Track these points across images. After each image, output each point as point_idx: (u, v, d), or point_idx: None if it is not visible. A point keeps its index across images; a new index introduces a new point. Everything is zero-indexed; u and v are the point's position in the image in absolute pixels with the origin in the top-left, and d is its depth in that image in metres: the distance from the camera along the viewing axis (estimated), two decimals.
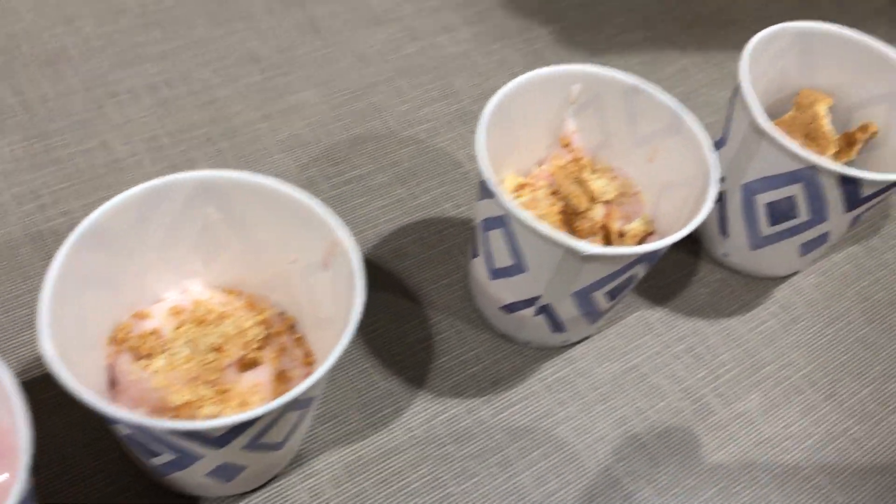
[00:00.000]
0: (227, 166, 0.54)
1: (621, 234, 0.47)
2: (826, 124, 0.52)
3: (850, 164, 0.53)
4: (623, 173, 0.49)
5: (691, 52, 0.68)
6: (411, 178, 0.56)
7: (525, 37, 0.66)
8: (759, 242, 0.52)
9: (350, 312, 0.35)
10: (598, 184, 0.47)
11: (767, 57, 0.52)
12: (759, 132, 0.46)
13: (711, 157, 0.44)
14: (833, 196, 0.47)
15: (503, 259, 0.44)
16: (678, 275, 0.54)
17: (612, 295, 0.44)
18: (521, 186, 0.49)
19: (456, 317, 0.50)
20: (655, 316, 0.52)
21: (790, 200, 0.48)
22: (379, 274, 0.51)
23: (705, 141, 0.45)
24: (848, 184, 0.46)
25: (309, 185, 0.54)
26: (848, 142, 0.53)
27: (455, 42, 0.64)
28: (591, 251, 0.39)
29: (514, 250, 0.42)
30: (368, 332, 0.48)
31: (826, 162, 0.45)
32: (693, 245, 0.56)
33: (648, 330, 0.51)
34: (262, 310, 0.42)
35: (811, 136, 0.52)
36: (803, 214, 0.49)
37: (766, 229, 0.51)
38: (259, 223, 0.40)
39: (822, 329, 0.53)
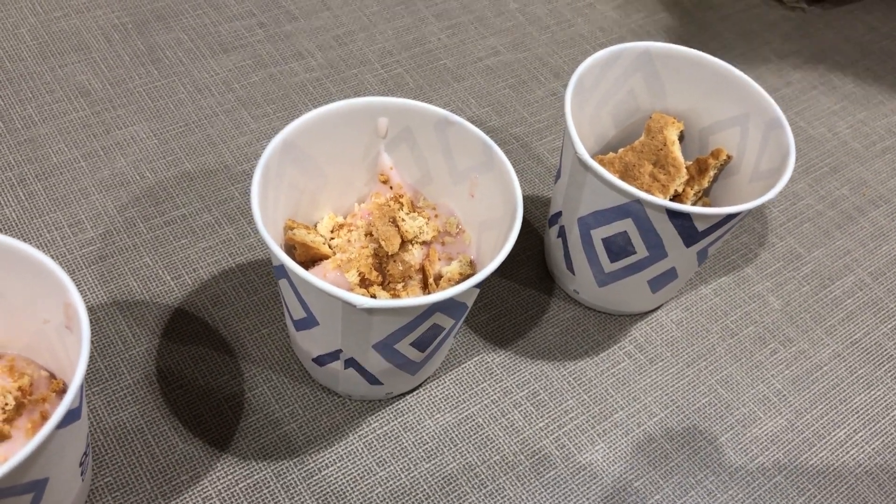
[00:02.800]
0: (39, 210, 0.50)
1: (439, 277, 0.43)
2: (675, 150, 0.48)
3: (704, 191, 0.50)
4: (447, 210, 0.46)
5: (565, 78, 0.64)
6: (242, 216, 0.52)
7: (384, 62, 0.62)
8: (604, 279, 0.48)
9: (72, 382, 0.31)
10: (414, 224, 0.43)
11: (611, 79, 0.49)
12: (584, 165, 0.43)
13: (518, 194, 0.40)
14: (666, 231, 0.43)
15: (297, 311, 0.40)
16: (528, 314, 0.51)
17: (421, 345, 0.40)
18: (339, 227, 0.45)
19: (274, 370, 0.46)
20: (498, 360, 0.48)
21: (624, 236, 0.44)
22: (193, 324, 0.47)
23: (514, 176, 0.41)
24: (678, 218, 0.42)
25: (127, 227, 0.50)
26: (700, 168, 0.49)
27: (308, 69, 0.61)
28: (367, 305, 0.35)
29: (302, 302, 0.39)
30: (173, 388, 0.44)
31: (648, 196, 0.41)
32: (547, 282, 0.52)
33: (489, 375, 0.48)
34: (23, 374, 0.38)
35: (660, 164, 0.49)
36: (641, 250, 0.45)
37: (607, 266, 0.47)
38: (6, 283, 0.36)
39: (681, 370, 0.50)
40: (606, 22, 0.69)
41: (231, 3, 0.64)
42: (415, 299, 0.36)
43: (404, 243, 0.43)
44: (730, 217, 0.42)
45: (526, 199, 0.56)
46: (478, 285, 0.37)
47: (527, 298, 0.51)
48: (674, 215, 0.42)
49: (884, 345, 0.52)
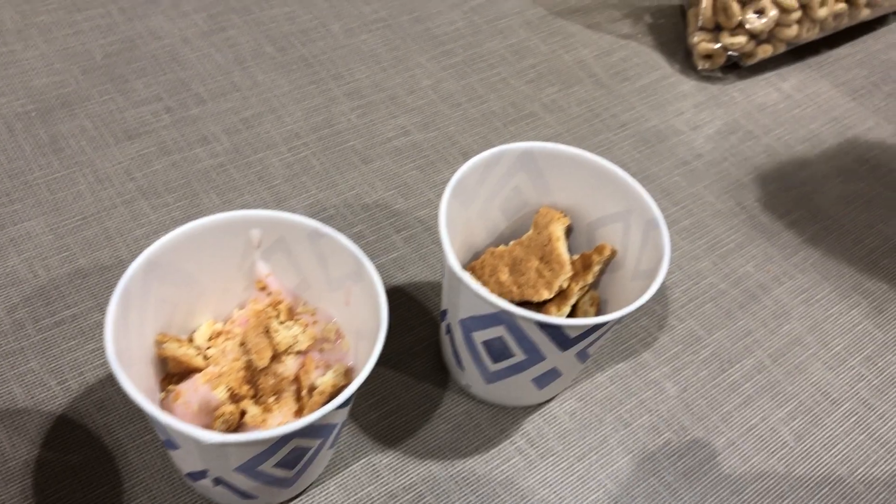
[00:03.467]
0: None
1: (313, 389, 0.43)
2: (559, 247, 0.49)
3: (589, 286, 0.50)
4: (326, 315, 0.46)
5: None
6: None
7: (291, 145, 0.63)
8: (490, 377, 0.48)
9: None
10: (289, 333, 0.43)
11: (495, 178, 0.49)
12: (456, 278, 0.43)
13: (383, 310, 0.40)
14: (539, 338, 0.43)
15: (160, 431, 0.40)
16: (420, 409, 0.50)
17: (287, 465, 0.40)
18: (216, 335, 0.45)
19: (155, 479, 0.46)
20: (386, 461, 0.48)
21: (501, 340, 0.45)
22: (75, 431, 0.47)
23: (381, 290, 0.41)
24: (547, 328, 0.42)
25: (15, 329, 0.50)
26: (584, 264, 0.49)
27: (212, 154, 0.61)
28: (211, 440, 0.35)
29: (158, 426, 0.38)
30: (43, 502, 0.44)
31: (515, 309, 0.41)
32: (441, 374, 0.52)
33: (375, 478, 0.47)
34: None
35: (546, 259, 0.49)
36: (518, 354, 0.45)
37: (490, 366, 0.47)
38: None
39: (572, 465, 0.50)
40: (518, 97, 0.69)
41: (139, 88, 0.64)
42: (261, 433, 0.36)
43: (277, 355, 0.43)
44: (598, 326, 0.43)
45: (426, 285, 0.56)
46: (340, 406, 0.37)
47: (420, 393, 0.51)
48: (543, 326, 0.42)
49: (779, 430, 0.53)
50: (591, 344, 0.45)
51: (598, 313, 0.50)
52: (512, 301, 0.49)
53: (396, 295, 0.55)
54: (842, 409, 0.54)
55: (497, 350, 0.45)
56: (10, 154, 0.58)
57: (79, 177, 0.58)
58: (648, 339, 0.56)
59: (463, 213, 0.49)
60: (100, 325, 0.51)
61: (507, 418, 0.51)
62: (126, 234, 0.55)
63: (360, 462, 0.48)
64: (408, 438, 0.49)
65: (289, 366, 0.43)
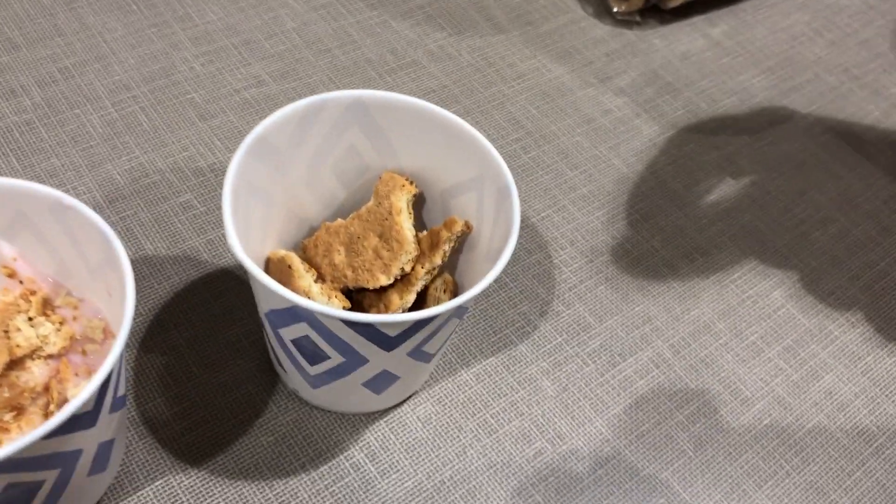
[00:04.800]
0: None
1: (63, 402, 0.34)
2: (402, 221, 0.39)
3: (440, 269, 0.41)
4: (93, 309, 0.36)
5: None
6: None
7: (117, 98, 0.53)
8: (314, 381, 0.39)
9: None
10: (34, 333, 0.34)
11: (318, 135, 0.40)
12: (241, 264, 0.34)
13: (129, 308, 0.31)
14: (351, 337, 0.34)
15: None
16: (238, 418, 0.42)
17: (21, 499, 0.31)
18: None
19: None
20: (187, 483, 0.39)
21: (309, 339, 0.35)
22: None
23: (130, 280, 0.32)
24: (356, 325, 0.33)
25: None
26: (432, 242, 0.40)
27: (19, 110, 0.51)
28: None
29: None
30: None
31: (304, 301, 0.32)
32: (269, 375, 0.43)
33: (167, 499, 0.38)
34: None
35: (385, 237, 0.40)
36: (334, 356, 0.36)
37: (310, 368, 0.38)
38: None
39: (420, 482, 0.41)
40: (400, 43, 0.60)
41: None
42: None
43: (18, 360, 0.34)
44: (423, 321, 0.34)
45: None
46: (51, 434, 0.28)
47: (240, 399, 0.42)
48: (349, 323, 0.33)
49: (675, 437, 0.44)
50: (425, 341, 0.36)
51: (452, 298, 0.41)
52: (346, 288, 0.40)
53: (223, 278, 0.46)
54: (753, 409, 0.46)
55: (309, 351, 0.36)
56: None
57: None
58: (527, 329, 0.47)
59: (278, 179, 0.39)
60: None
61: (345, 427, 0.42)
62: None
63: (154, 485, 0.39)
64: (218, 454, 0.40)
65: (35, 374, 0.34)
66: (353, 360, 0.36)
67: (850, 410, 0.46)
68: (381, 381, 0.39)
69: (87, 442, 0.32)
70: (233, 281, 0.46)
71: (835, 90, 0.63)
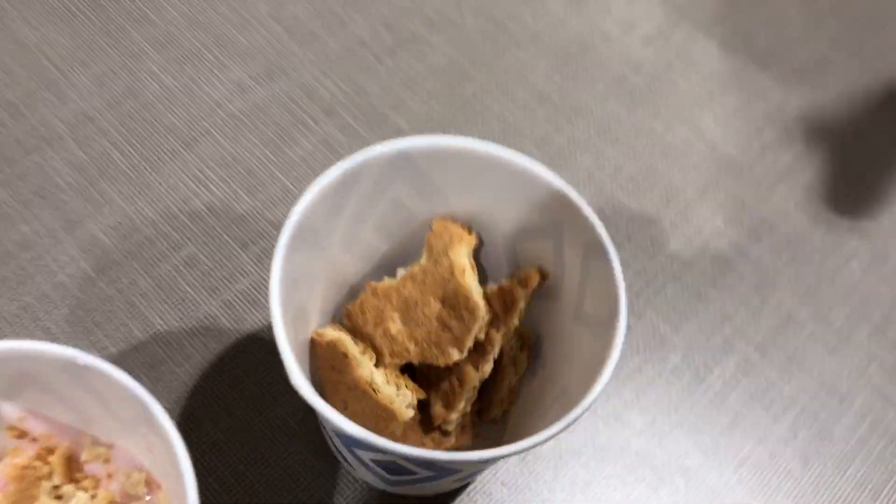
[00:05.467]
0: None
1: None
2: (468, 282, 0.33)
3: (518, 332, 0.35)
4: (127, 459, 0.30)
5: None
6: None
7: (81, 134, 0.44)
8: (391, 483, 0.34)
9: None
10: None
11: (358, 199, 0.33)
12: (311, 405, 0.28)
13: (186, 466, 0.25)
14: (435, 471, 0.29)
15: None
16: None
17: None
18: None
19: None
20: None
21: (396, 464, 0.30)
22: None
23: (177, 440, 0.26)
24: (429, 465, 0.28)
25: None
26: (505, 302, 0.34)
27: None
28: None
29: None
30: None
31: (404, 449, 0.26)
32: (327, 460, 0.38)
33: None
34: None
35: (450, 302, 0.34)
36: (423, 472, 0.31)
37: (389, 477, 0.33)
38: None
39: None
40: (394, 14, 0.51)
41: None
42: None
43: None
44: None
45: None
46: None
47: (301, 495, 0.37)
48: (438, 465, 0.27)
49: (779, 455, 0.40)
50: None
51: (530, 358, 0.36)
52: (410, 364, 0.34)
53: (251, 347, 0.40)
54: (854, 407, 0.42)
55: (394, 468, 0.31)
56: None
57: None
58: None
59: (318, 256, 0.33)
60: None
61: None
62: None
63: None
64: None
65: None
66: (444, 473, 0.31)
67: None
68: (466, 477, 0.34)
69: None
70: (262, 349, 0.40)
71: None
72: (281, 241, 0.29)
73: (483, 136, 0.46)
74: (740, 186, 0.48)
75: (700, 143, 0.49)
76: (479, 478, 0.38)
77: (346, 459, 0.35)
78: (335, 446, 0.35)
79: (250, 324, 0.40)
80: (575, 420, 0.28)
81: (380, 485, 0.36)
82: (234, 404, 0.38)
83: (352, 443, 0.30)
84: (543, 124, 0.48)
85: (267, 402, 0.38)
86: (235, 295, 0.41)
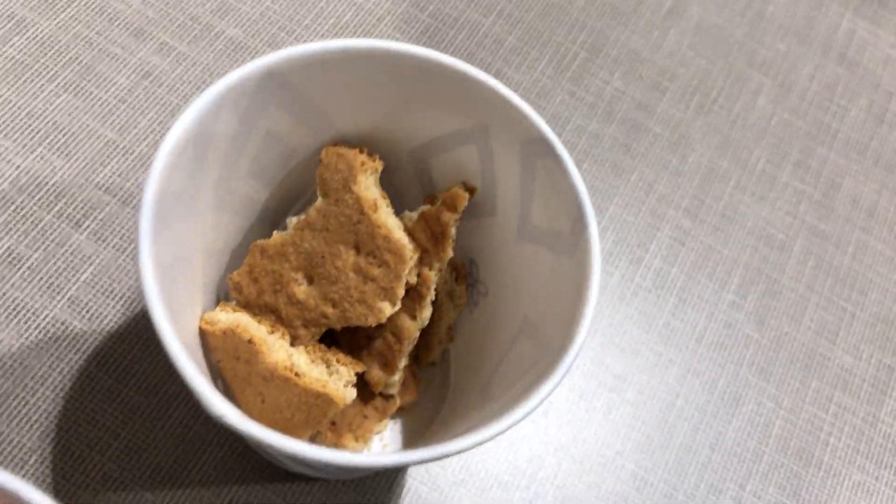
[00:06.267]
0: None
1: None
2: (383, 217, 0.27)
3: (450, 262, 0.29)
4: None
5: None
6: None
7: None
8: (332, 474, 0.28)
9: None
10: None
11: (223, 140, 0.25)
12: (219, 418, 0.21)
13: None
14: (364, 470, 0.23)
15: None
16: None
17: None
18: None
19: None
20: None
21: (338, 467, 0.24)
22: None
23: None
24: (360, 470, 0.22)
25: None
26: (433, 233, 0.28)
27: None
28: None
29: None
30: None
31: (365, 459, 0.20)
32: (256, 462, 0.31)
33: None
34: None
35: (366, 248, 0.27)
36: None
37: (335, 476, 0.27)
38: None
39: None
40: None
41: None
42: None
43: None
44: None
45: None
46: None
47: None
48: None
49: (733, 323, 0.37)
50: None
51: (468, 288, 0.30)
52: (331, 329, 0.28)
53: (120, 347, 0.32)
54: (793, 252, 0.39)
55: (339, 471, 0.25)
56: None
57: None
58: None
59: (189, 229, 0.25)
60: None
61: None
62: None
63: None
64: None
65: None
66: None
67: None
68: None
69: None
70: (136, 345, 0.32)
71: None
72: (142, 219, 0.21)
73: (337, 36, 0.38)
74: (631, 35, 0.43)
75: None
76: None
77: (284, 467, 0.28)
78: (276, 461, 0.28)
79: (109, 320, 0.32)
80: (568, 368, 0.23)
81: (320, 475, 0.30)
82: (118, 423, 0.30)
83: (297, 461, 0.23)
84: (404, 5, 0.41)
85: (157, 410, 0.31)
86: (80, 288, 0.32)
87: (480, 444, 0.21)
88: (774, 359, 0.37)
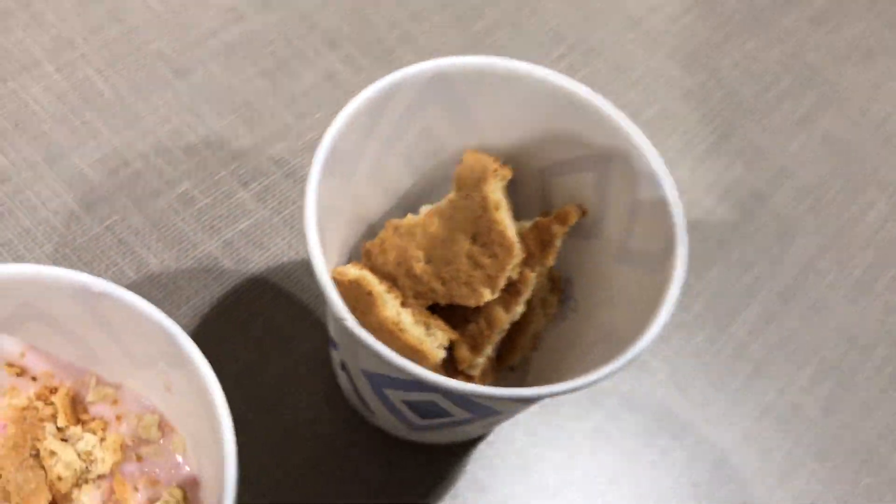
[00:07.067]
0: None
1: None
2: (502, 217, 0.31)
3: (549, 274, 0.33)
4: (137, 399, 0.27)
5: None
6: None
7: (62, 60, 0.41)
8: (419, 427, 0.32)
9: None
10: (73, 453, 0.25)
11: (390, 122, 0.30)
12: (348, 331, 0.25)
13: (223, 412, 0.23)
14: (475, 407, 0.27)
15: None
16: (317, 473, 0.34)
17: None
18: None
19: None
20: None
21: (434, 405, 0.28)
22: None
23: (214, 382, 0.23)
24: (476, 398, 0.25)
25: None
26: (541, 240, 0.32)
27: None
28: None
29: None
30: None
31: (448, 382, 0.24)
32: (341, 409, 0.35)
33: None
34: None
35: (481, 238, 0.31)
36: (459, 413, 0.29)
37: (417, 420, 0.31)
38: None
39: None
40: None
41: None
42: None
43: (63, 496, 0.25)
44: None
45: (300, 267, 0.38)
46: None
47: (313, 444, 0.34)
48: (483, 398, 0.25)
49: (802, 404, 0.39)
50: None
51: (560, 302, 0.34)
52: (436, 304, 0.32)
53: (256, 289, 0.37)
54: (874, 357, 0.41)
55: (426, 410, 0.29)
56: None
57: None
58: None
59: (345, 189, 0.30)
60: None
61: (445, 460, 0.35)
62: None
63: None
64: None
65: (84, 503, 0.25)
66: (480, 414, 0.29)
67: None
68: (493, 421, 0.32)
69: None
70: (269, 291, 0.37)
71: None
72: (315, 163, 0.26)
73: None
74: (760, 133, 0.46)
75: (719, 88, 0.47)
76: (498, 428, 0.36)
77: (366, 406, 0.33)
78: (355, 390, 0.32)
79: (254, 266, 0.37)
80: (629, 361, 0.26)
81: (401, 431, 0.33)
82: (239, 350, 0.35)
83: (389, 382, 0.27)
84: (559, 63, 0.46)
85: (275, 347, 0.36)
86: (236, 235, 0.38)
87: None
88: (834, 447, 0.38)
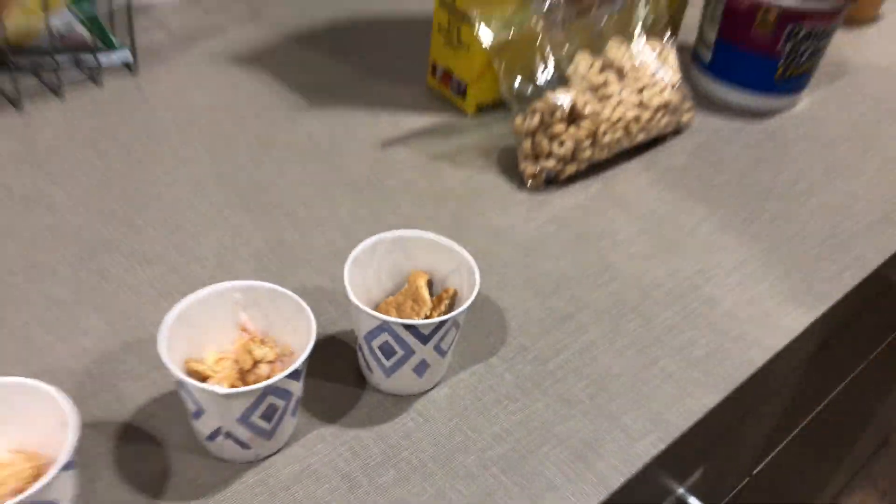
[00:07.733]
0: None
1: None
2: (423, 292, 0.82)
3: (441, 314, 0.83)
4: (283, 343, 0.78)
5: None
6: None
7: None
8: (387, 372, 0.80)
9: None
10: (260, 351, 0.75)
11: (379, 255, 0.83)
12: (356, 308, 0.76)
13: (313, 331, 0.72)
14: (406, 337, 0.75)
15: (192, 402, 0.71)
16: (344, 397, 0.81)
17: (268, 418, 0.71)
18: (220, 359, 0.76)
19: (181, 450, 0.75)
20: (331, 430, 0.78)
21: (388, 343, 0.77)
22: None
23: (313, 323, 0.73)
24: (410, 329, 0.75)
25: None
26: (438, 301, 0.82)
27: None
28: (221, 392, 0.66)
29: (190, 397, 0.69)
30: None
31: (391, 318, 0.74)
32: (361, 380, 0.83)
33: (320, 440, 0.78)
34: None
35: (416, 300, 0.82)
36: (399, 350, 0.77)
37: (386, 363, 0.79)
38: None
39: (450, 432, 0.80)
40: (411, 215, 1.04)
41: None
42: (246, 388, 0.67)
43: (256, 363, 0.75)
44: (441, 323, 0.75)
45: (343, 317, 0.88)
46: (291, 377, 0.69)
47: (343, 392, 0.82)
48: (407, 327, 0.74)
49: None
50: (441, 339, 0.77)
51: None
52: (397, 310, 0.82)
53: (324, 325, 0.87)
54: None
55: (387, 351, 0.77)
56: None
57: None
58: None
59: (361, 277, 0.82)
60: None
61: (404, 403, 0.82)
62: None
63: (315, 432, 0.78)
64: (341, 417, 0.80)
65: (263, 370, 0.75)
66: (408, 353, 0.77)
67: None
68: (421, 368, 0.79)
69: (296, 390, 0.73)
70: (342, 318, 0.87)
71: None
72: (347, 267, 0.79)
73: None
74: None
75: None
76: (430, 393, 0.83)
77: (368, 367, 0.81)
78: (364, 360, 0.81)
79: (323, 313, 0.88)
80: (457, 314, 0.75)
81: (383, 383, 0.81)
82: (323, 350, 0.85)
83: (369, 335, 0.77)
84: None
85: (329, 348, 0.85)
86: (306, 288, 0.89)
87: None
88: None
